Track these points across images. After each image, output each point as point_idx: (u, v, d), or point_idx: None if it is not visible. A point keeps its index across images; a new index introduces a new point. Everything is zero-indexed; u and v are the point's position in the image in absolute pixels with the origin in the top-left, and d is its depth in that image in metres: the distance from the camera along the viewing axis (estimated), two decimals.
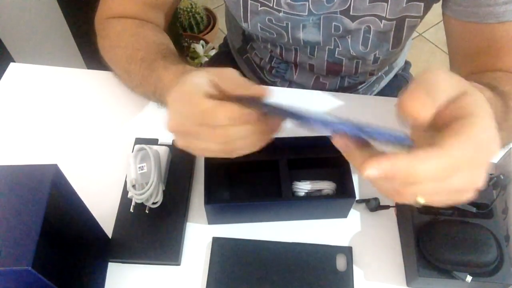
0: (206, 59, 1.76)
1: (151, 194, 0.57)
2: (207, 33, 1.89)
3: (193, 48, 1.78)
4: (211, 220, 0.60)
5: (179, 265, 0.57)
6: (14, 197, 0.41)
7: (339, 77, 0.80)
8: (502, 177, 0.59)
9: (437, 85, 0.32)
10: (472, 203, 0.56)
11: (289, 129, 0.69)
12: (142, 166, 0.58)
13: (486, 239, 0.52)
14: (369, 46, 0.69)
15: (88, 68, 1.12)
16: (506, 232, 0.56)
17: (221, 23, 1.94)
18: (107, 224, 0.58)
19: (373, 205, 0.61)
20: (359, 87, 0.85)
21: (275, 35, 0.71)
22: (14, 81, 0.76)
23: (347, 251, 0.57)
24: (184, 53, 1.77)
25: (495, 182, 0.58)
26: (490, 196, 0.57)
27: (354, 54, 0.72)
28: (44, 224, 0.39)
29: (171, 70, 0.56)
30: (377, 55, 0.73)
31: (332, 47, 0.72)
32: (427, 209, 0.56)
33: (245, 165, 0.62)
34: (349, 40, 0.70)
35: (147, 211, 0.58)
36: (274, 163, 0.60)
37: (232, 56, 0.94)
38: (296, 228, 0.60)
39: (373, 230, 0.60)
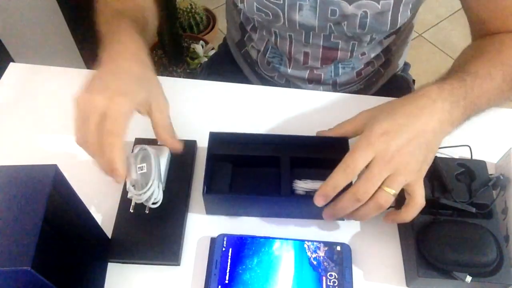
0: (206, 59, 1.77)
1: (151, 195, 0.57)
2: (207, 33, 1.89)
3: (193, 49, 1.78)
4: (209, 210, 0.61)
5: (178, 265, 0.57)
6: (14, 197, 0.41)
7: (332, 64, 0.80)
8: (501, 177, 0.59)
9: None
10: (472, 203, 0.56)
11: (293, 128, 0.69)
12: (142, 167, 0.58)
13: (486, 239, 0.52)
14: (366, 28, 0.70)
15: (88, 68, 1.12)
16: (505, 232, 0.57)
17: (221, 24, 1.94)
18: (107, 224, 0.58)
19: None
20: (357, 79, 0.85)
21: (271, 16, 0.71)
22: (14, 81, 0.76)
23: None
24: (184, 53, 1.77)
25: (494, 182, 0.58)
26: (489, 196, 0.57)
27: (350, 35, 0.72)
28: (44, 224, 0.40)
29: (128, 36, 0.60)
30: (373, 36, 0.74)
31: (328, 33, 0.73)
32: (426, 209, 0.56)
33: (247, 159, 0.62)
34: (345, 27, 0.70)
35: (146, 211, 0.58)
36: (277, 159, 0.61)
37: (231, 56, 0.95)
38: (295, 227, 0.60)
39: (372, 230, 0.60)
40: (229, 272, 0.55)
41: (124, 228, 0.58)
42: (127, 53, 0.58)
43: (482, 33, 0.68)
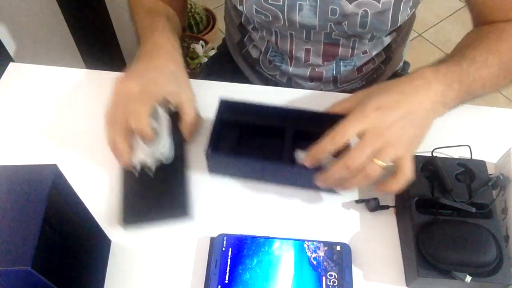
0: (206, 59, 1.76)
1: (163, 150, 0.60)
2: (207, 33, 1.89)
3: (193, 48, 1.78)
4: (211, 169, 0.64)
5: (189, 217, 0.60)
6: (14, 197, 0.41)
7: (334, 62, 0.81)
8: (501, 177, 0.59)
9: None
10: (472, 203, 0.56)
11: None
12: (153, 123, 0.60)
13: (486, 239, 0.52)
14: (367, 27, 0.70)
15: (88, 68, 1.12)
16: (505, 232, 0.57)
17: (221, 23, 1.94)
18: (107, 224, 0.58)
19: (373, 205, 0.61)
20: (358, 76, 0.85)
21: (270, 18, 0.72)
22: (14, 81, 0.76)
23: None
24: (184, 53, 1.77)
25: (494, 182, 0.58)
26: (489, 196, 0.57)
27: (351, 33, 0.73)
28: (44, 224, 0.40)
29: (164, 36, 0.67)
30: (374, 34, 0.75)
31: (328, 31, 0.73)
32: (426, 209, 0.56)
33: (254, 128, 0.66)
34: (345, 26, 0.70)
35: (150, 174, 0.61)
36: (282, 130, 0.63)
37: (230, 57, 0.95)
38: (295, 227, 0.60)
39: (372, 230, 0.60)
40: (229, 272, 0.55)
41: (130, 195, 0.61)
42: (162, 51, 0.65)
43: (484, 23, 0.68)
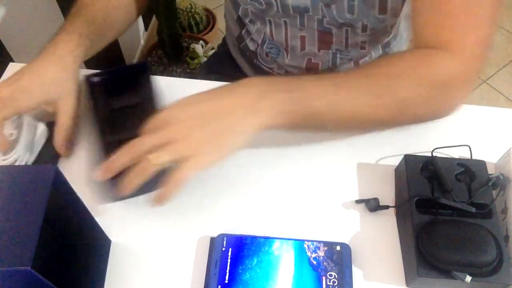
0: (206, 59, 1.77)
1: (14, 162, 0.60)
2: (207, 33, 1.89)
3: (193, 48, 1.78)
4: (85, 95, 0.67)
5: None
6: (14, 197, 0.41)
7: (330, 52, 0.81)
8: (501, 177, 0.59)
9: None
10: (472, 203, 0.56)
11: None
12: (12, 133, 0.60)
13: (486, 239, 0.52)
14: (355, 13, 0.70)
15: (87, 68, 1.11)
16: (505, 232, 0.57)
17: (221, 23, 1.94)
18: (107, 224, 0.58)
19: (373, 205, 0.61)
20: None
21: (264, 5, 0.73)
22: None
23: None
24: (184, 53, 1.77)
25: (494, 182, 0.58)
26: (489, 196, 0.57)
27: (341, 21, 0.73)
28: (44, 224, 0.40)
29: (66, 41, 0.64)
30: (364, 23, 0.74)
31: (320, 17, 0.73)
32: (426, 209, 0.56)
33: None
34: (334, 10, 0.70)
35: None
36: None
37: (230, 54, 0.95)
38: (295, 227, 0.60)
39: (372, 230, 0.60)
40: (229, 272, 0.55)
41: None
42: (51, 54, 0.63)
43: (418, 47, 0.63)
